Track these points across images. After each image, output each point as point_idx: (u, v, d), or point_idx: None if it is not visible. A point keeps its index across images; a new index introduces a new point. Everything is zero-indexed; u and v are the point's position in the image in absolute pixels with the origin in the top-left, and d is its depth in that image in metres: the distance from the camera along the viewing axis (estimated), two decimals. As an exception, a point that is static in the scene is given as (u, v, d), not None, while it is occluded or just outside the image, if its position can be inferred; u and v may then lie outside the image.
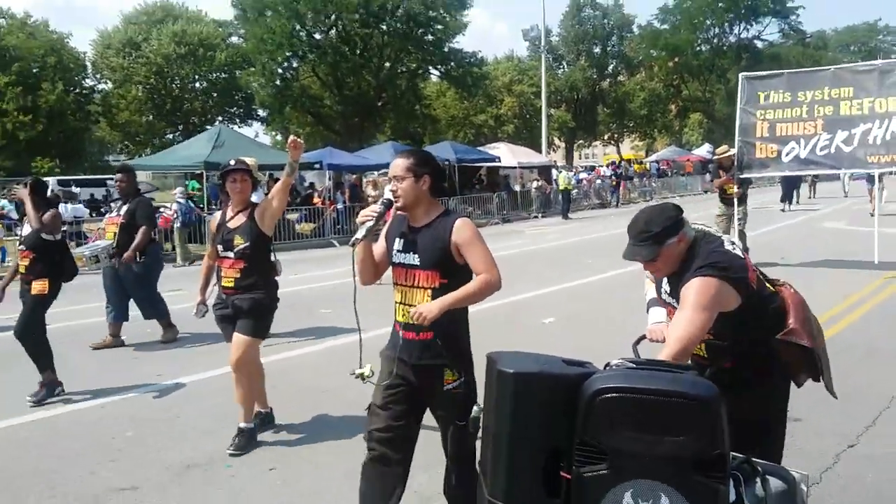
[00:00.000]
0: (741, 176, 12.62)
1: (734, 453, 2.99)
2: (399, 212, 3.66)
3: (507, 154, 30.89)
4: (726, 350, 3.30)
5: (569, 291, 11.22)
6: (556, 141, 56.17)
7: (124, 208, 8.51)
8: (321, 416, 5.79)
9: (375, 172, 23.56)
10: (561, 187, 27.48)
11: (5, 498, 4.50)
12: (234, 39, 46.19)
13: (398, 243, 3.67)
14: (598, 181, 34.10)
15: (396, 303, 3.70)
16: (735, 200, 12.57)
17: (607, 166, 39.24)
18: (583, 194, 31.93)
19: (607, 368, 2.90)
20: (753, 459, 3.07)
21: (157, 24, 45.58)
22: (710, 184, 15.85)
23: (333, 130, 44.30)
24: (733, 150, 12.94)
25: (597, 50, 58.59)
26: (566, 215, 26.60)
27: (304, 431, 5.48)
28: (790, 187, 25.62)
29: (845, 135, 11.96)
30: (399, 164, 3.59)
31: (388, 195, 3.62)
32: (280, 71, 40.80)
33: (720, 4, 56.66)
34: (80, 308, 10.24)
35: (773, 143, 12.53)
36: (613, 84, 59.31)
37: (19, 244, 6.86)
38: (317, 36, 40.41)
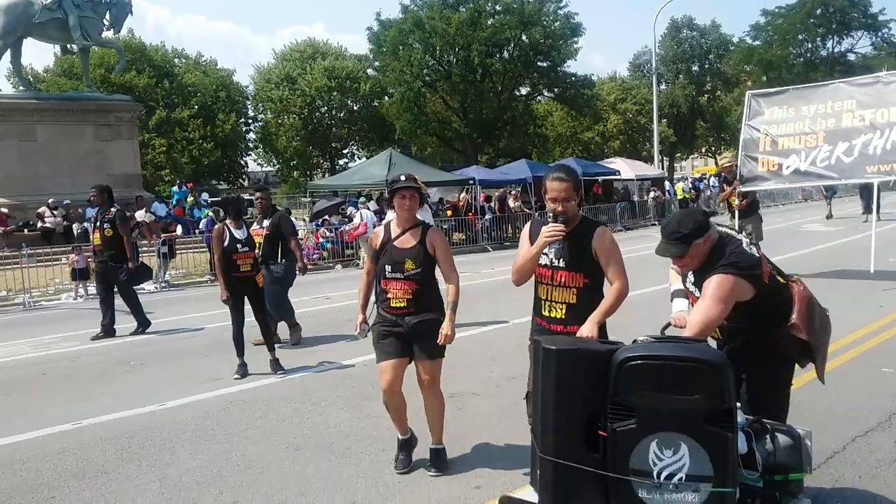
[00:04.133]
0: (742, 189, 12.03)
1: (748, 416, 3.28)
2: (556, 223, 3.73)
3: (624, 167, 31.70)
4: (739, 333, 3.48)
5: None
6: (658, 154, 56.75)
7: (266, 222, 8.67)
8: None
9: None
10: (679, 196, 29.01)
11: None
12: (370, 72, 47.97)
13: (550, 249, 3.78)
14: (708, 191, 35.25)
15: (542, 299, 3.87)
16: (736, 213, 12.00)
17: (714, 177, 40.07)
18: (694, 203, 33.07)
19: (634, 343, 3.14)
20: (763, 419, 3.30)
21: (307, 59, 47.90)
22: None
23: (455, 149, 46.01)
24: (735, 164, 12.46)
25: (695, 68, 58.51)
26: (684, 221, 27.95)
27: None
28: (868, 198, 22.86)
29: (846, 146, 11.41)
30: (567, 187, 3.70)
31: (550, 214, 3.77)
32: (412, 98, 42.67)
33: (812, 21, 55.43)
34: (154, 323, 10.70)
35: (775, 156, 12.04)
36: (711, 100, 58.78)
37: (241, 247, 7.37)
38: (444, 67, 42.05)
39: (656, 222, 28.88)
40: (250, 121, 51.00)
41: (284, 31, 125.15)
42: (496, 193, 26.56)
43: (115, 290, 10.10)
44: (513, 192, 26.71)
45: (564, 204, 3.68)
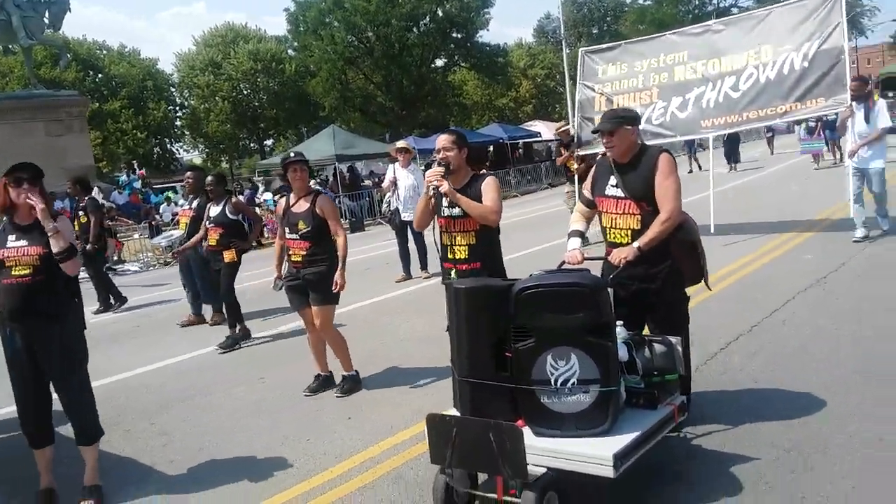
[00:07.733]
0: (581, 153, 10.86)
1: (630, 331, 3.60)
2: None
3: (544, 129, 32.17)
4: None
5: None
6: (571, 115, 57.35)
7: (195, 203, 8.27)
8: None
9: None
10: (595, 152, 30.31)
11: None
12: (290, 52, 47.13)
13: (445, 200, 4.20)
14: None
15: (446, 245, 4.27)
16: (576, 177, 10.79)
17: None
18: (604, 159, 34.43)
19: (529, 276, 3.41)
20: (642, 333, 3.68)
21: (230, 44, 46.55)
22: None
23: (378, 122, 45.59)
24: (570, 126, 11.34)
25: (595, 31, 59.41)
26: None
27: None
28: (731, 148, 23.06)
29: (679, 101, 10.41)
30: (446, 139, 4.19)
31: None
32: (336, 76, 41.96)
33: (698, -25, 55.63)
34: (172, 291, 11.07)
35: None
36: (613, 60, 60.76)
37: (208, 222, 7.37)
38: (365, 44, 41.59)
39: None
40: (178, 108, 49.88)
41: (163, 13, 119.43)
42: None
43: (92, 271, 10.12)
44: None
45: (444, 152, 4.14)
